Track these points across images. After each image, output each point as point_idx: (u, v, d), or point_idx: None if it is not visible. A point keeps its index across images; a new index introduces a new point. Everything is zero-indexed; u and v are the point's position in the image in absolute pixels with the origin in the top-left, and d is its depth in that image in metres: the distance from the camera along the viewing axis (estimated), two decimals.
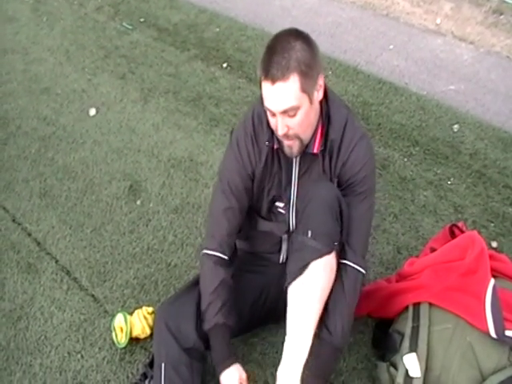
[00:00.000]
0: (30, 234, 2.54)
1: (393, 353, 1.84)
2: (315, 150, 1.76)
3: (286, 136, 1.68)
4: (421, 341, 1.82)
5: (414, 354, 1.78)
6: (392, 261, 2.38)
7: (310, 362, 1.70)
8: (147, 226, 2.58)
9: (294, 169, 1.83)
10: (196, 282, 1.91)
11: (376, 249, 2.45)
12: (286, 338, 1.71)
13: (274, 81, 1.57)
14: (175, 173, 2.83)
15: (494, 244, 2.49)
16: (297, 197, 1.86)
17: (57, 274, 2.36)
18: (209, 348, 1.81)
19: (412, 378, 1.76)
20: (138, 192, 2.74)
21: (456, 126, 3.14)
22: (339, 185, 1.83)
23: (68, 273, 2.37)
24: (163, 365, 1.77)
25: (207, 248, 1.86)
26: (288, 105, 1.60)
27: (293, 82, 1.57)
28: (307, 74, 1.59)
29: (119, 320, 2.09)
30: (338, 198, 1.75)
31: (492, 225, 2.65)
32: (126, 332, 2.05)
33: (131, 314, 2.12)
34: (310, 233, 1.71)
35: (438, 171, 2.88)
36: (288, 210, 1.90)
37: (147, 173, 2.84)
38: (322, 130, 1.76)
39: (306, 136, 1.73)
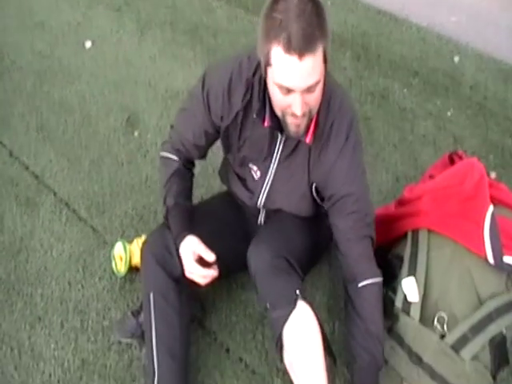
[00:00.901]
0: (27, 168, 2.44)
1: (391, 277, 1.78)
2: (308, 140, 1.59)
3: (303, 115, 1.46)
4: (419, 265, 1.77)
5: (412, 278, 1.73)
6: (391, 190, 2.30)
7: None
8: (145, 156, 2.49)
9: (277, 148, 1.67)
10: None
11: (375, 178, 2.37)
12: None
13: (301, 54, 1.32)
14: (172, 104, 2.70)
15: (493, 175, 2.42)
16: (273, 179, 1.73)
17: (55, 207, 2.28)
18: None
19: (410, 303, 1.71)
20: (135, 124, 2.63)
21: (456, 58, 3.02)
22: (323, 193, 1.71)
23: (67, 205, 2.29)
24: (151, 294, 1.70)
25: (164, 151, 1.82)
26: (314, 79, 1.39)
27: (319, 54, 1.35)
28: (327, 42, 1.37)
29: (118, 249, 2.03)
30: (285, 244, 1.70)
31: (491, 156, 2.58)
32: (126, 261, 1.99)
33: (130, 242, 2.05)
34: (268, 305, 1.62)
35: (438, 102, 2.78)
36: (262, 183, 1.76)
37: (144, 104, 2.72)
38: (316, 117, 1.57)
39: (314, 112, 1.52)
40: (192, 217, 1.76)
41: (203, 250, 1.64)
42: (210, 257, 1.64)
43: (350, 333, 1.68)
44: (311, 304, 1.61)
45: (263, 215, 1.91)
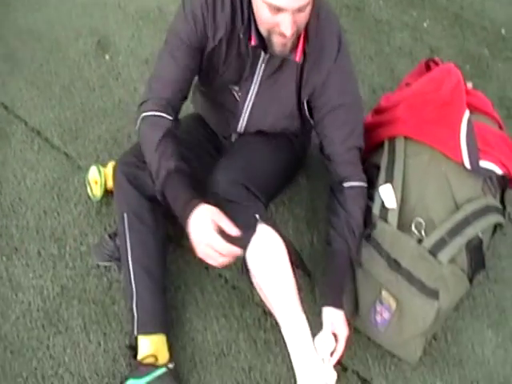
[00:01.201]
0: None
1: (369, 185, 1.68)
2: (297, 59, 1.51)
3: (292, 34, 1.38)
4: (396, 172, 1.68)
5: (389, 185, 1.65)
6: (368, 102, 2.17)
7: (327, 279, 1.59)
8: (117, 79, 2.33)
9: (259, 66, 1.57)
10: None
11: None
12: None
13: None
14: (144, 25, 2.53)
15: (470, 85, 2.28)
16: (255, 99, 1.63)
17: (27, 136, 2.13)
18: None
19: (388, 210, 1.63)
20: (106, 47, 2.45)
21: None
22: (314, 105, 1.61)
23: (39, 133, 2.15)
24: (125, 214, 1.62)
25: (148, 111, 1.56)
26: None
27: None
28: None
29: (93, 173, 1.91)
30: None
31: (468, 66, 2.49)
32: (101, 184, 1.89)
33: (105, 166, 1.94)
34: None
35: (414, 13, 2.64)
36: (243, 103, 1.65)
37: (115, 27, 2.54)
38: (305, 33, 1.48)
39: (301, 30, 1.45)
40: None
41: (226, 220, 1.40)
42: (234, 230, 1.40)
43: (330, 223, 1.62)
44: (274, 225, 1.54)
45: (234, 140, 1.82)
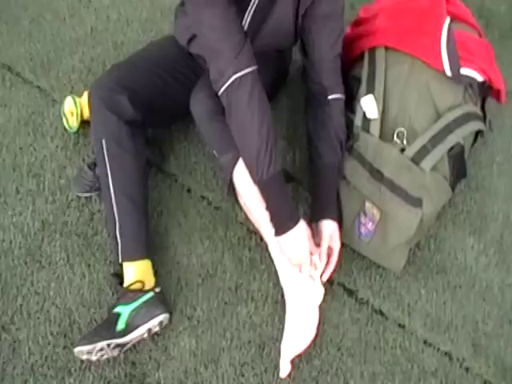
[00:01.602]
0: None
1: (350, 98, 1.59)
2: None
3: None
4: (377, 83, 1.58)
5: (370, 96, 1.55)
6: (346, 17, 2.00)
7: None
8: (88, 7, 2.15)
9: None
10: (132, 56, 1.64)
11: None
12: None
13: None
14: None
15: None
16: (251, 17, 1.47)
17: None
18: (148, 123, 1.58)
19: (370, 120, 1.54)
20: None
21: None
22: None
23: (9, 69, 1.98)
24: (104, 141, 1.50)
25: (237, 71, 1.33)
26: None
27: None
28: None
29: (68, 104, 1.77)
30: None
31: None
32: (77, 114, 1.75)
33: (80, 96, 1.80)
34: (215, 152, 1.46)
35: None
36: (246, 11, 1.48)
37: None
38: None
39: None
40: None
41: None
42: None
43: (318, 136, 1.53)
44: None
45: None
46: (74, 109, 1.76)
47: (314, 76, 1.55)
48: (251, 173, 1.37)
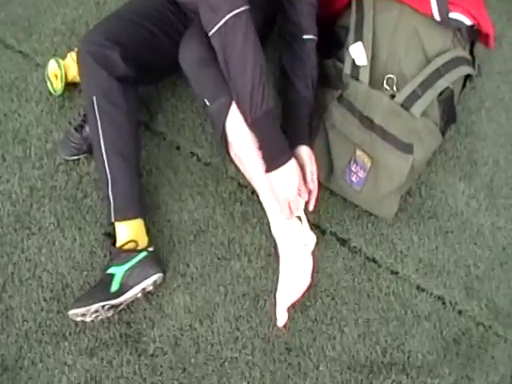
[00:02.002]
0: None
1: (338, 48, 1.50)
2: None
3: None
4: (366, 30, 1.48)
5: (359, 43, 1.45)
6: None
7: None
8: None
9: None
10: (120, 10, 1.51)
11: None
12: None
13: None
14: None
15: None
16: None
17: None
18: (139, 79, 1.47)
19: (359, 67, 1.44)
20: None
21: None
22: None
23: None
24: (94, 98, 1.40)
25: (233, 8, 1.23)
26: None
27: None
28: None
29: (52, 67, 1.65)
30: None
31: None
32: (61, 77, 1.63)
33: (64, 58, 1.68)
34: (206, 101, 1.35)
35: None
36: None
37: None
38: None
39: None
40: None
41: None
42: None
43: (295, 72, 1.46)
44: None
45: None
46: (58, 71, 1.64)
47: (293, 17, 1.45)
48: (244, 112, 1.29)
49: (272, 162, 1.30)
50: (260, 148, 1.31)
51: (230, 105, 1.31)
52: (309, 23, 1.45)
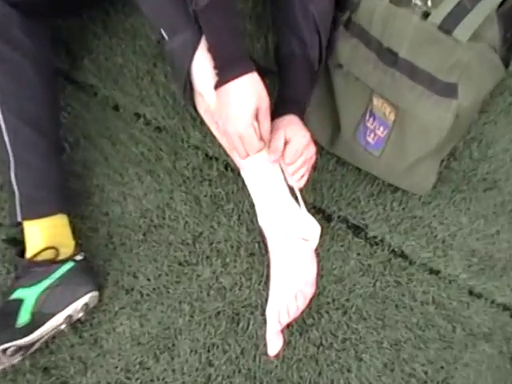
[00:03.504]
0: None
1: None
2: None
3: None
4: None
5: None
6: None
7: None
8: None
9: None
10: None
11: None
12: None
13: None
14: None
15: None
16: None
17: None
18: (48, 8, 1.06)
19: None
20: None
21: None
22: None
23: None
24: None
25: None
26: None
27: None
28: None
29: None
30: None
31: None
32: None
33: None
34: (164, 33, 0.97)
35: None
36: None
37: None
38: None
39: None
40: None
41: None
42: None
43: (297, 25, 1.08)
44: None
45: None
46: None
47: None
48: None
49: (221, 73, 0.94)
50: (209, 51, 0.96)
51: (198, 40, 0.95)
52: None
